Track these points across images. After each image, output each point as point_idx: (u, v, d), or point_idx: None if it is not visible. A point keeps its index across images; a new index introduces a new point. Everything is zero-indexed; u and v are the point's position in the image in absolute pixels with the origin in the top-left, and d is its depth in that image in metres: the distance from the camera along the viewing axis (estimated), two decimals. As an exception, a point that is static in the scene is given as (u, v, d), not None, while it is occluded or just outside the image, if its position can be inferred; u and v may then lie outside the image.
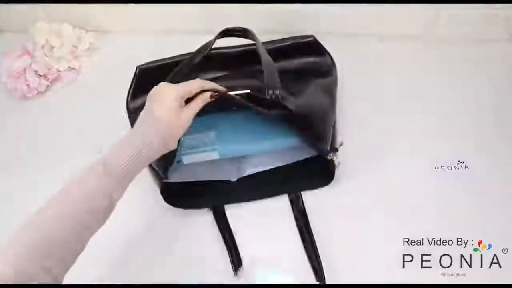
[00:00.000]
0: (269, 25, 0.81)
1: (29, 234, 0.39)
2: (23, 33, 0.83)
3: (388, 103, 0.73)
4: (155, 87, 0.49)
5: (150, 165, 0.58)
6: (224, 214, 0.62)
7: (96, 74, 0.84)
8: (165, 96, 0.48)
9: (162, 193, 0.59)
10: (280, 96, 0.54)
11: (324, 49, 0.67)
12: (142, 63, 0.65)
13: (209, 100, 0.51)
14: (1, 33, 0.92)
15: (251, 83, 0.58)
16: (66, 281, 0.40)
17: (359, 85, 0.75)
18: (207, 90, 0.51)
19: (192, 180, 0.64)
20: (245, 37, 0.62)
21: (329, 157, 0.59)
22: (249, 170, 0.65)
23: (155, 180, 0.60)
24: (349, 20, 0.80)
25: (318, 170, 0.63)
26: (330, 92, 0.64)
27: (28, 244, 0.38)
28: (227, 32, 0.61)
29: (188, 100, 0.50)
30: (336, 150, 0.59)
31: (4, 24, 0.92)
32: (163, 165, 0.56)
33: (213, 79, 0.62)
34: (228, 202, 0.63)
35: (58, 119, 0.78)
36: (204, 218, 0.62)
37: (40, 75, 0.79)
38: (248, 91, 0.54)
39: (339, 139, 0.63)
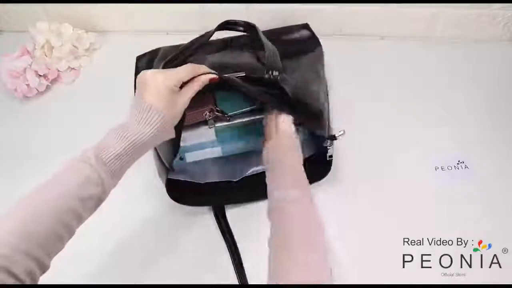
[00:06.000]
0: (269, 25, 0.81)
1: (10, 218, 0.38)
2: (23, 33, 0.83)
3: (388, 103, 0.73)
4: (142, 75, 0.47)
5: (159, 157, 0.58)
6: (224, 214, 0.62)
7: (96, 74, 0.83)
8: (156, 85, 0.46)
9: (166, 188, 0.58)
10: (279, 78, 0.54)
11: (311, 30, 0.68)
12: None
13: (207, 83, 0.50)
14: (1, 33, 0.92)
15: (248, 60, 0.58)
16: (69, 276, 0.39)
17: (359, 85, 0.75)
18: (199, 75, 0.50)
19: (195, 181, 0.64)
20: (245, 30, 0.61)
21: (325, 144, 0.58)
22: (251, 170, 0.65)
23: (161, 175, 0.60)
24: (349, 20, 0.80)
25: (315, 166, 0.61)
26: (316, 69, 0.65)
27: (9, 230, 0.36)
28: (227, 25, 0.61)
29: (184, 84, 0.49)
30: (334, 138, 0.57)
31: (4, 24, 0.92)
32: (169, 153, 0.55)
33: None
34: (229, 202, 0.63)
35: (58, 119, 0.77)
36: (205, 217, 0.63)
37: (40, 75, 0.79)
38: (243, 73, 0.53)
39: (339, 138, 0.63)
